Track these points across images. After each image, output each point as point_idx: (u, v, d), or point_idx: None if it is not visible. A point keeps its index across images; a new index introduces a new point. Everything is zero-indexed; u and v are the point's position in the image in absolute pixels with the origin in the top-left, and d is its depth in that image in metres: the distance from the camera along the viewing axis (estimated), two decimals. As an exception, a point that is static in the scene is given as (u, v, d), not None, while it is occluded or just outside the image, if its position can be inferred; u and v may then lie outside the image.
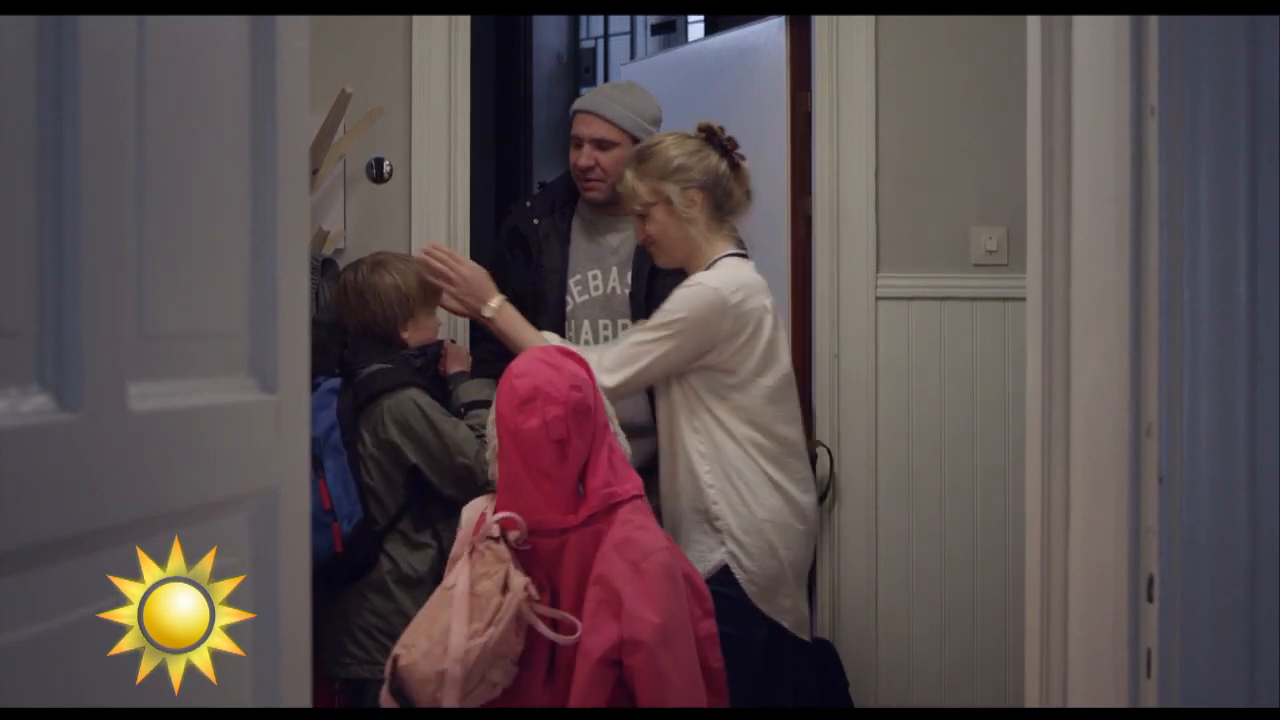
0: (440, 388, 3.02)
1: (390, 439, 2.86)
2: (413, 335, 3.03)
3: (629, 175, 2.92)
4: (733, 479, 2.79)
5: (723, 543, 2.77)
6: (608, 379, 2.71)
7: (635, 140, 3.15)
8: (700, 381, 2.82)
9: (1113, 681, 1.40)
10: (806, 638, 2.91)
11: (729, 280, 2.81)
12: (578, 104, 3.25)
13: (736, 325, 2.78)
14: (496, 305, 2.95)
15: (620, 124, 3.16)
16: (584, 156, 3.16)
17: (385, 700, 2.28)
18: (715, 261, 2.87)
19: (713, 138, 2.93)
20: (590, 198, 3.22)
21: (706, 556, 2.76)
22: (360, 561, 2.87)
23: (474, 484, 2.79)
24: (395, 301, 3.00)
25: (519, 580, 2.27)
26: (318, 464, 2.83)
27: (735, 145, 2.95)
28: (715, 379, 2.81)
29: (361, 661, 2.88)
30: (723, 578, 2.73)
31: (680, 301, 2.80)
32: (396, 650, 2.28)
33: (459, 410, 2.94)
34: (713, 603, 2.45)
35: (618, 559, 2.30)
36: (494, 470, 2.45)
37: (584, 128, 3.18)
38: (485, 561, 2.29)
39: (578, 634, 2.27)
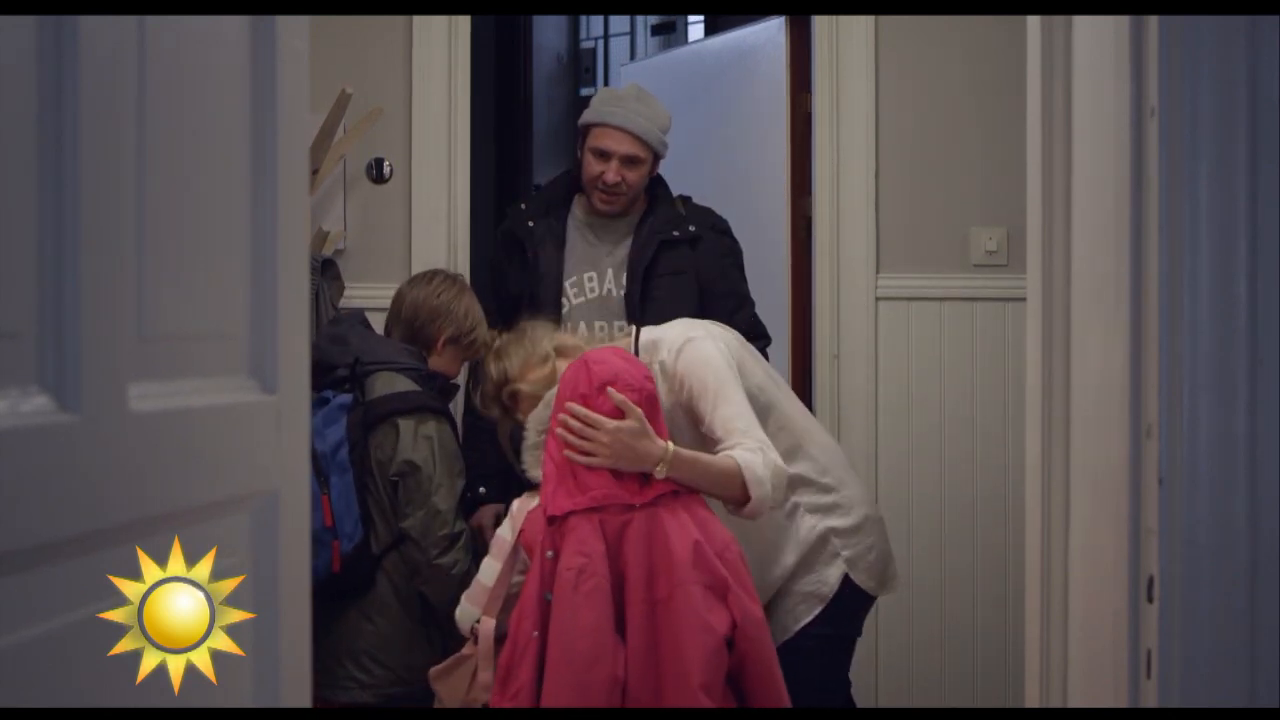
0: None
1: (397, 459, 2.81)
2: (437, 361, 3.01)
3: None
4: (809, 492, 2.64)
5: (837, 553, 2.64)
6: (781, 460, 2.50)
7: (656, 156, 3.16)
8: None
9: (1113, 682, 1.40)
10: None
11: (690, 326, 2.66)
12: (602, 116, 3.18)
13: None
14: (669, 458, 2.38)
15: (649, 141, 3.15)
16: (612, 172, 3.12)
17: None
18: None
19: None
20: (606, 210, 3.20)
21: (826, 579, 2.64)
22: (357, 582, 2.80)
23: (420, 552, 2.78)
24: (457, 321, 3.00)
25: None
26: (324, 480, 2.77)
27: None
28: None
29: (365, 686, 2.80)
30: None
31: (700, 363, 2.53)
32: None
33: None
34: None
35: (713, 538, 2.37)
36: (534, 463, 2.48)
37: (613, 143, 3.14)
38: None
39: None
